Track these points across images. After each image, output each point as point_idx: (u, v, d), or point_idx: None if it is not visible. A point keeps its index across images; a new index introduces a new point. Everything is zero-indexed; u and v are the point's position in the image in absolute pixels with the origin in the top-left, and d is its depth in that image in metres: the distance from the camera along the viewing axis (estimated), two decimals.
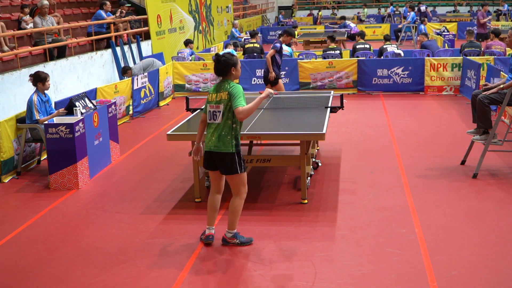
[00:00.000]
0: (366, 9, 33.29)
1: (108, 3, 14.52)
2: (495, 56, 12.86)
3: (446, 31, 21.79)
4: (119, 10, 14.67)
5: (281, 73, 11.21)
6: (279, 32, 20.92)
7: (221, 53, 5.46)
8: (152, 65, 13.13)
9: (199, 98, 12.92)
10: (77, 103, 7.81)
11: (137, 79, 11.78)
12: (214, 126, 5.32)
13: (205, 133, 5.53)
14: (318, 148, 8.66)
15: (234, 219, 5.45)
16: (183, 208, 6.61)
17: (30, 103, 7.87)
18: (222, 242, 5.53)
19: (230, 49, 15.38)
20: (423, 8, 29.45)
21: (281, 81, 10.45)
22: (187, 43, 15.83)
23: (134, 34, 15.42)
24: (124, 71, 12.44)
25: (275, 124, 7.26)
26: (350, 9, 35.18)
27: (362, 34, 15.55)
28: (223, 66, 5.31)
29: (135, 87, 11.73)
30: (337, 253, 5.30)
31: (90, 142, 7.79)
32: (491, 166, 7.65)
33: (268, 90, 5.50)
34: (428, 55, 14.36)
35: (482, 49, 14.00)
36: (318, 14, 33.57)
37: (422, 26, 20.66)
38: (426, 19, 22.19)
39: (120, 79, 13.34)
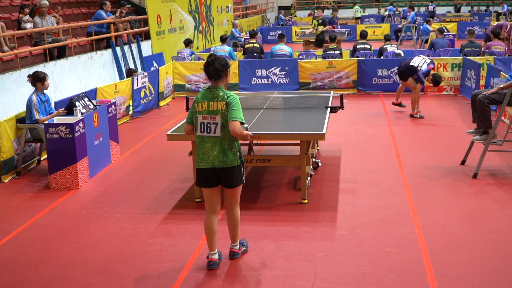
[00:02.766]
0: (356, 6, 33.27)
1: (108, 3, 14.52)
2: (495, 56, 12.86)
3: (446, 31, 21.76)
4: (119, 10, 14.67)
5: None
6: (279, 32, 20.93)
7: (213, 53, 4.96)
8: None
9: None
10: (77, 103, 7.81)
11: (137, 79, 11.77)
12: (212, 139, 4.84)
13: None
14: (318, 148, 8.66)
15: (238, 230, 5.16)
16: (183, 208, 6.61)
17: (29, 103, 7.87)
18: (232, 257, 5.18)
19: (225, 45, 15.41)
20: (431, 7, 29.62)
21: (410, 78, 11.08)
22: (188, 43, 15.81)
23: (134, 34, 15.42)
24: (129, 73, 12.37)
25: (275, 124, 7.25)
26: (350, 9, 35.16)
27: (363, 34, 15.53)
28: (222, 67, 4.83)
29: (135, 87, 11.73)
30: (337, 253, 5.30)
31: (90, 142, 7.79)
32: (491, 166, 7.65)
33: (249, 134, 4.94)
34: (428, 55, 14.35)
35: (482, 49, 14.00)
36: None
37: (426, 26, 20.67)
38: (431, 19, 22.16)
39: (120, 79, 13.35)
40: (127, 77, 12.44)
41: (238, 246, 5.25)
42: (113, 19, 14.24)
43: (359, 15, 31.76)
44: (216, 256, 5.08)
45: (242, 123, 4.83)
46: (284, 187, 7.18)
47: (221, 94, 4.83)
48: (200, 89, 14.03)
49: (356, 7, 32.66)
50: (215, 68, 4.82)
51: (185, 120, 5.17)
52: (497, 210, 6.26)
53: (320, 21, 18.39)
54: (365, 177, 7.47)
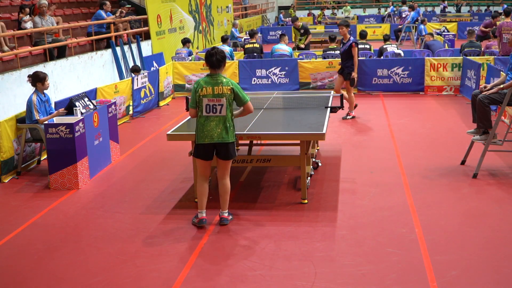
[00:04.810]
0: (349, 6, 33.63)
1: (108, 3, 14.52)
2: (495, 56, 12.86)
3: (446, 31, 21.78)
4: (119, 10, 14.67)
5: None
6: (279, 32, 20.95)
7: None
8: None
9: None
10: (77, 103, 7.81)
11: (137, 79, 11.77)
12: (217, 119, 5.69)
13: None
14: (318, 148, 8.66)
15: (228, 197, 5.96)
16: (183, 208, 6.61)
17: (29, 103, 7.87)
18: (223, 223, 5.96)
19: (226, 45, 15.41)
20: (442, 6, 30.19)
21: (353, 74, 10.61)
22: (185, 42, 15.76)
23: (134, 34, 15.43)
24: (134, 70, 12.29)
25: (275, 124, 7.26)
26: (351, 9, 35.16)
27: (363, 35, 15.52)
28: (222, 58, 5.68)
29: (135, 87, 11.73)
30: (337, 253, 5.30)
31: (90, 142, 7.79)
32: (491, 166, 7.65)
33: None
34: (428, 55, 14.36)
35: (482, 49, 13.99)
36: (318, 14, 33.54)
37: (422, 26, 20.65)
38: (426, 19, 22.19)
39: (120, 79, 13.35)
40: (132, 73, 12.34)
41: (227, 213, 6.00)
42: (113, 19, 14.24)
43: (349, 15, 32.00)
44: (205, 214, 5.94)
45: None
46: (284, 187, 7.18)
47: (224, 80, 5.70)
48: None
49: (348, 7, 33.19)
50: (217, 59, 5.68)
51: (189, 105, 5.88)
52: (497, 210, 6.26)
53: (302, 31, 17.00)
54: (365, 177, 7.46)
